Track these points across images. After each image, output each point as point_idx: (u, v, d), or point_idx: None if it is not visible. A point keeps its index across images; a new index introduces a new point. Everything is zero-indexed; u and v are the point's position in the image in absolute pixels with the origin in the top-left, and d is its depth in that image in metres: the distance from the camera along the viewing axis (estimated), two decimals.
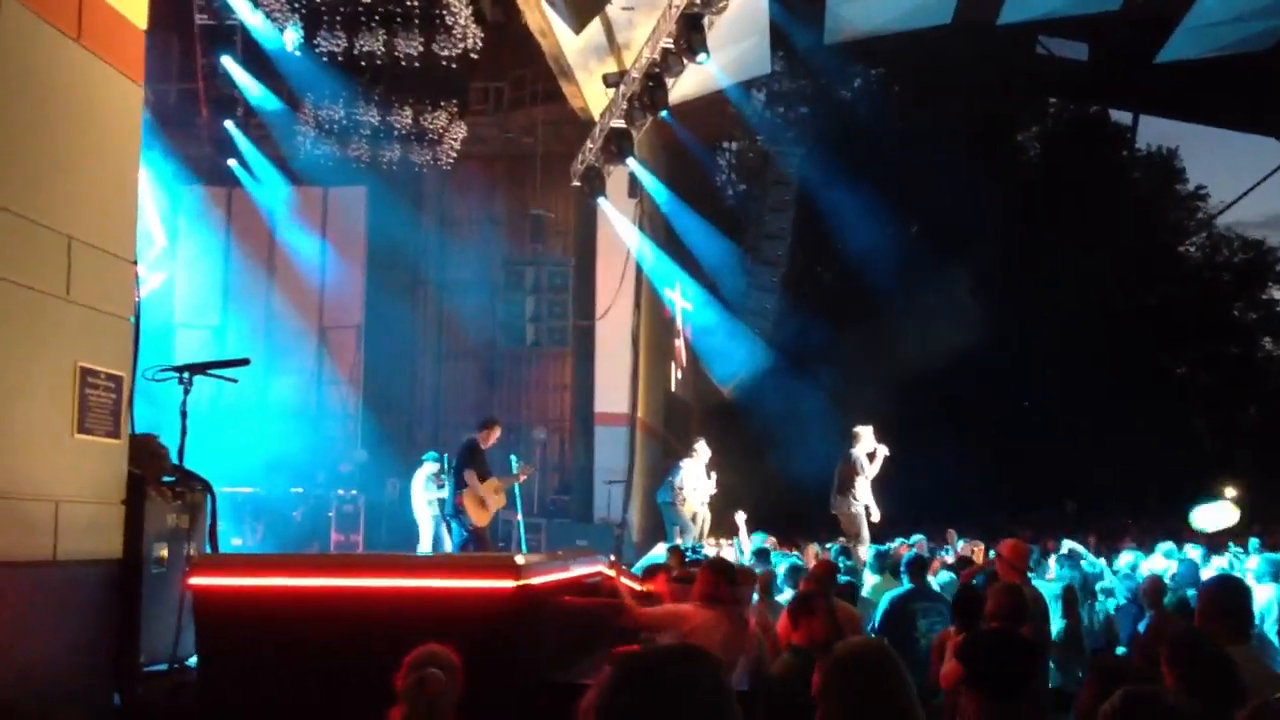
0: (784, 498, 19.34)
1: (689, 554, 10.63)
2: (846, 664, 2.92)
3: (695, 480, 13.82)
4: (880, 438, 13.11)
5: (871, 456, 12.98)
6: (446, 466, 12.91)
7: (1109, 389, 26.63)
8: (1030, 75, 24.28)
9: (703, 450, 13.98)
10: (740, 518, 13.08)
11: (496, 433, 11.86)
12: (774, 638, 6.23)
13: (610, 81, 16.17)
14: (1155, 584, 7.03)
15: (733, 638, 5.54)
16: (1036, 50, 21.79)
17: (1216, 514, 14.51)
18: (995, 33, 17.66)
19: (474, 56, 16.82)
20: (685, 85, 15.78)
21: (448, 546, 12.58)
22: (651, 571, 7.76)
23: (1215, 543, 13.60)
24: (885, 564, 9.52)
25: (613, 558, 7.37)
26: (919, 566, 7.91)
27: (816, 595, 5.72)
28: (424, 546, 13.70)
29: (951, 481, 20.78)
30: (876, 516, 12.90)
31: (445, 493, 12.34)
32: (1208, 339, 32.22)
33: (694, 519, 13.79)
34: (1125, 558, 10.92)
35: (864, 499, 12.86)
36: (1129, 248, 28.84)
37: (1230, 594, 4.22)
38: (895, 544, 12.57)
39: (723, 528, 14.40)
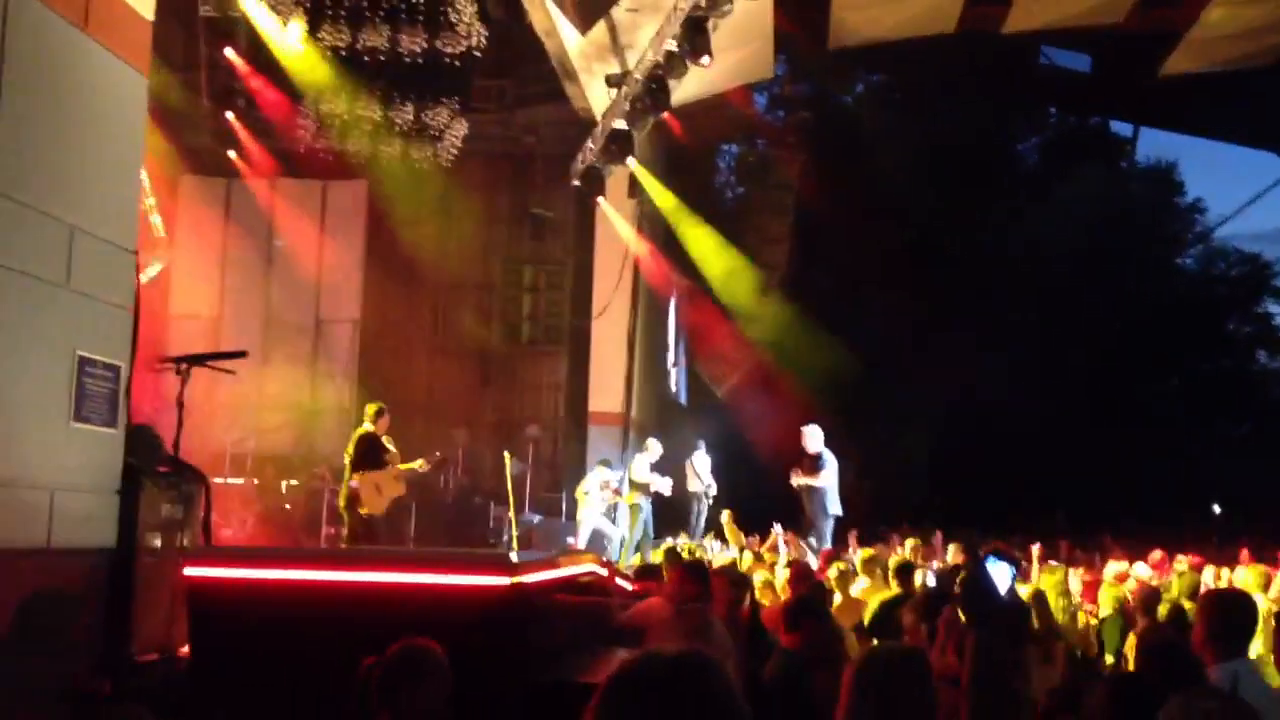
0: (774, 497, 19.34)
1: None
2: (879, 669, 2.92)
3: (642, 475, 14.75)
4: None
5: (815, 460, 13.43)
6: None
7: (1101, 400, 26.66)
8: (1032, 85, 24.28)
9: (655, 447, 15.11)
10: (725, 516, 13.46)
11: (385, 419, 11.86)
12: None
13: (613, 82, 16.17)
14: (1148, 593, 7.06)
15: (690, 638, 5.48)
16: (1039, 60, 21.80)
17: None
18: (999, 42, 17.68)
19: (477, 54, 16.83)
20: (687, 87, 15.78)
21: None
22: (645, 573, 7.76)
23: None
24: (877, 566, 9.56)
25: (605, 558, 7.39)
26: (907, 572, 7.95)
27: (815, 600, 5.70)
28: (579, 544, 14.27)
29: (942, 487, 20.80)
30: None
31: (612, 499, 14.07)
32: (1202, 352, 32.23)
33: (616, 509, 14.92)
34: (1112, 568, 10.95)
35: (815, 499, 13.36)
36: (1126, 259, 28.86)
37: (1234, 609, 4.20)
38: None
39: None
